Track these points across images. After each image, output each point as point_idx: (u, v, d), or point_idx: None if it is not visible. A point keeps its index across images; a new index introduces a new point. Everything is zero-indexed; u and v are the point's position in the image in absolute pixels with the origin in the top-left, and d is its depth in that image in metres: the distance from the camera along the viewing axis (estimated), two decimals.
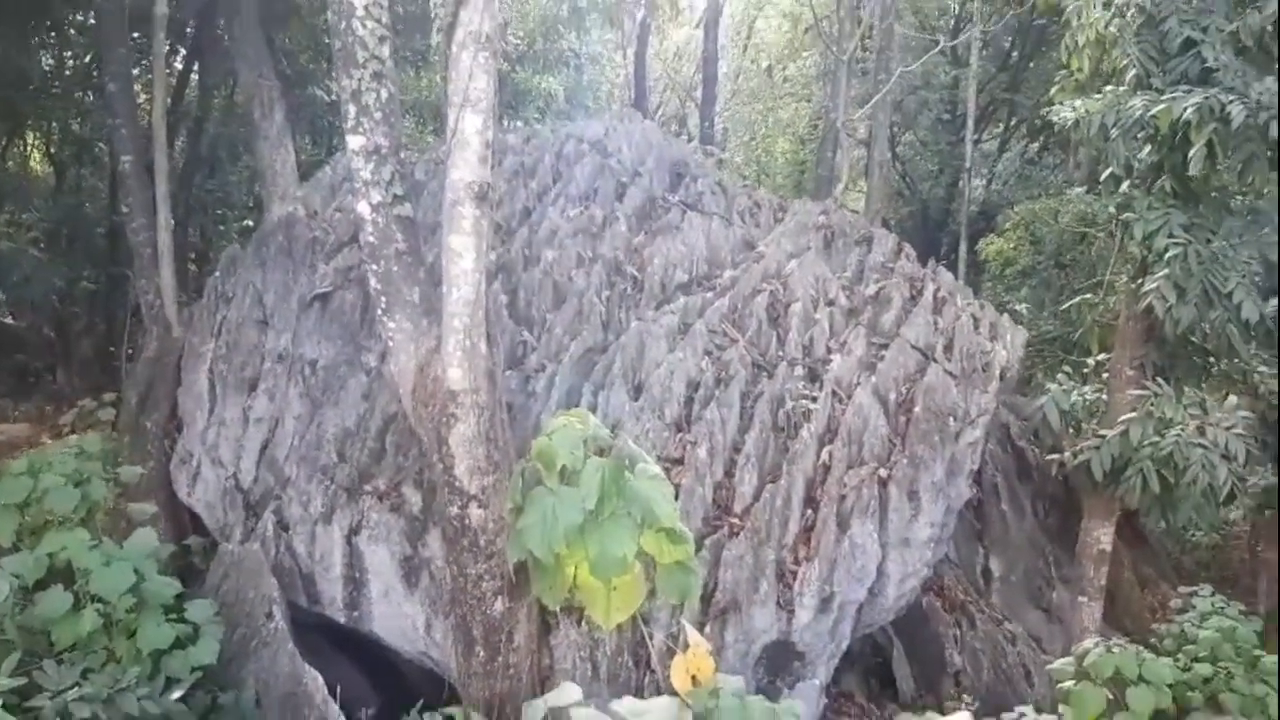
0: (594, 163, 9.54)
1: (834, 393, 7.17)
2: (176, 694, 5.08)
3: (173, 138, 14.30)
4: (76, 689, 4.75)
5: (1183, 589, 8.80)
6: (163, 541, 6.32)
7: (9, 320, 16.13)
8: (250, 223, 16.10)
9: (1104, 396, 8.17)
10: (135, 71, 12.57)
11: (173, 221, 9.68)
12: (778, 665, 6.12)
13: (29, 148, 17.79)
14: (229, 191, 16.71)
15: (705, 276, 8.48)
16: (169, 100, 12.82)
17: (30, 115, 14.99)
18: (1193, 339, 7.88)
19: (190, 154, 15.70)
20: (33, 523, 6.05)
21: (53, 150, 17.11)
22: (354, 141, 5.41)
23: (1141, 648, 6.40)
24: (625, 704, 4.00)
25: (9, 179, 16.00)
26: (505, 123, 13.31)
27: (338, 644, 6.68)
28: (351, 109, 5.30)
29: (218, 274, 8.79)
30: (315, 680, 5.55)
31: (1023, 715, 5.90)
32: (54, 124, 15.96)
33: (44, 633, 5.38)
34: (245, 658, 5.85)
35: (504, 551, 5.27)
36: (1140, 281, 7.64)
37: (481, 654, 5.40)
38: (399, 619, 6.29)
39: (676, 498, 5.68)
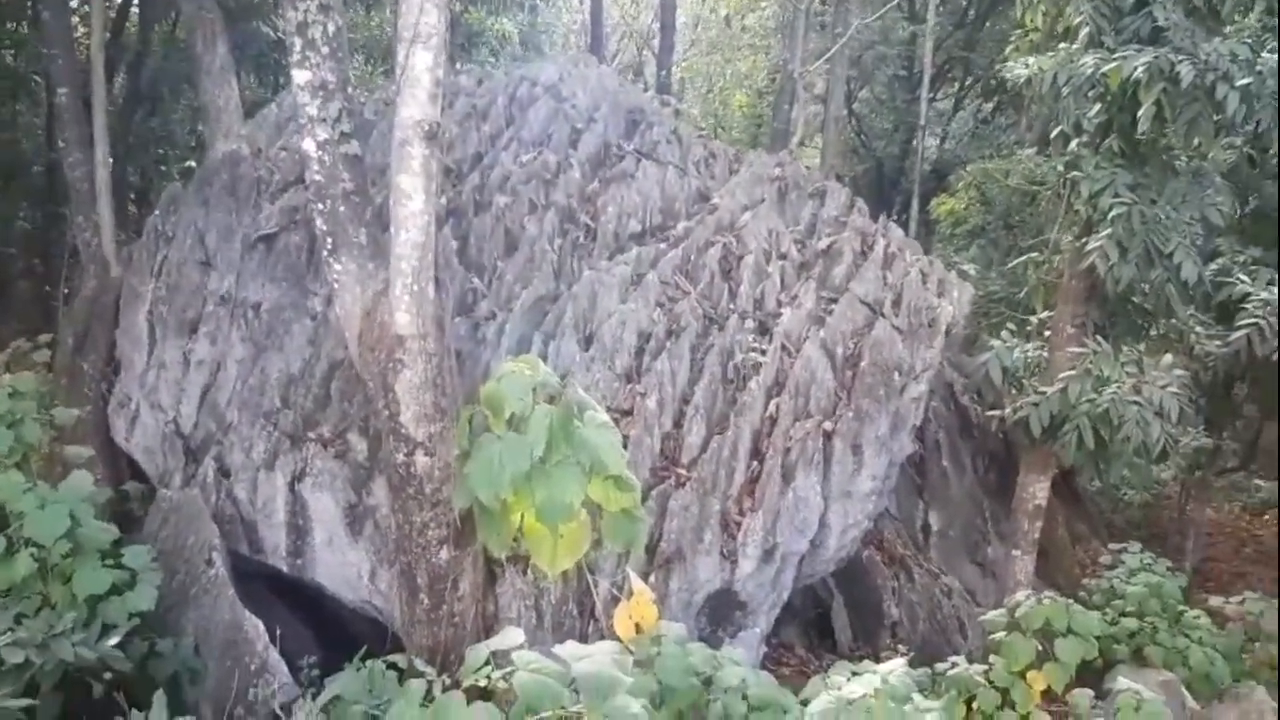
0: (548, 107, 9.37)
1: (783, 346, 7.22)
2: (113, 640, 5.01)
3: (112, 72, 13.74)
4: (9, 634, 4.67)
5: (1113, 546, 9.15)
6: (99, 486, 6.18)
7: None
8: (193, 162, 15.60)
9: (1045, 354, 8.34)
10: (73, 2, 12.05)
11: (111, 159, 9.36)
12: (720, 615, 6.22)
13: None
14: (171, 129, 16.16)
15: (659, 227, 8.44)
16: (108, 32, 12.32)
17: None
18: (1133, 298, 8.06)
19: (130, 89, 15.13)
20: None
21: None
22: (300, 76, 5.23)
23: (1071, 601, 6.62)
24: (567, 648, 4.03)
25: None
26: (458, 64, 12.97)
27: (279, 593, 6.64)
28: (297, 42, 5.11)
29: (158, 213, 8.51)
30: (256, 628, 5.51)
31: (955, 665, 6.08)
32: None
33: None
34: (184, 605, 5.79)
35: (450, 499, 5.25)
36: (1084, 240, 7.76)
37: (426, 602, 5.40)
38: (343, 567, 6.26)
39: (625, 448, 5.69)
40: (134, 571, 5.50)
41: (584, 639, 5.64)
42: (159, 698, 4.11)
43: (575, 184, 8.49)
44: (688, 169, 9.21)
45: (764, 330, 7.50)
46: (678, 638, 4.88)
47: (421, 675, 4.56)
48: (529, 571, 5.86)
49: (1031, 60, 7.98)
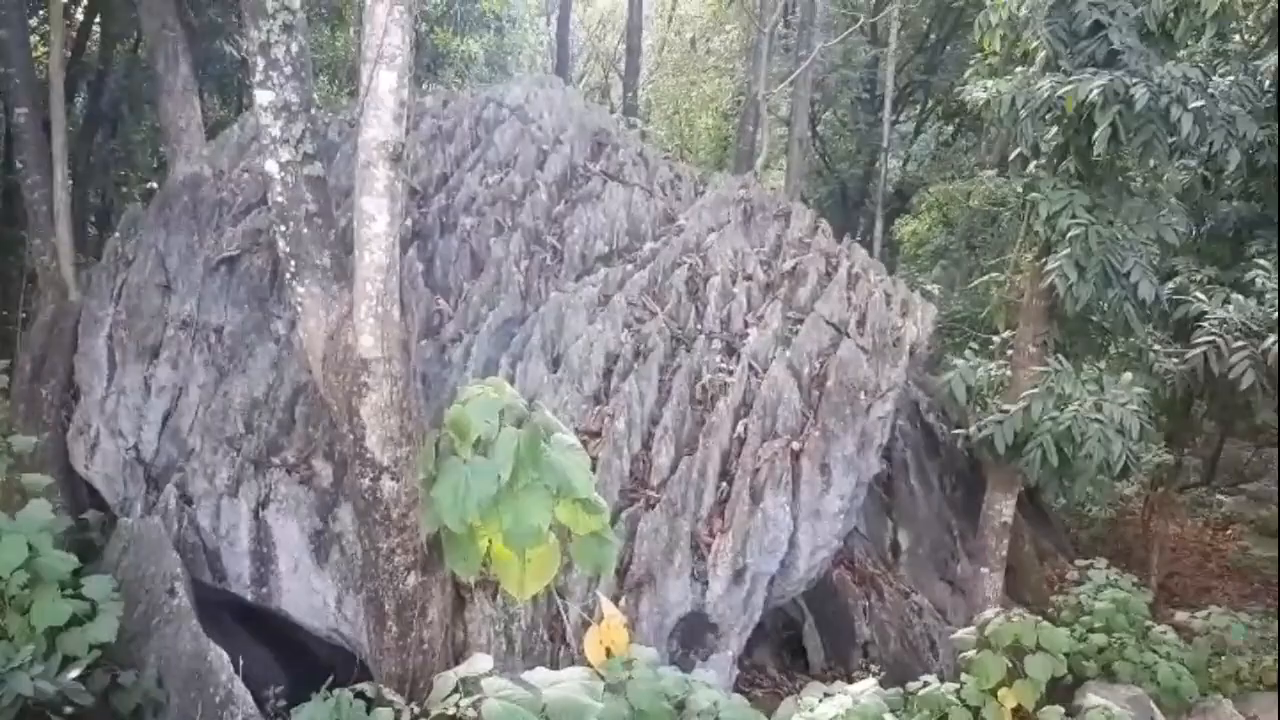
0: (514, 129, 9.39)
1: (750, 366, 7.25)
2: (74, 673, 4.89)
3: (72, 91, 13.57)
4: None
5: (1079, 562, 9.26)
6: (58, 515, 6.04)
7: None
8: (154, 184, 15.42)
9: (1008, 373, 8.45)
10: (32, 21, 11.87)
11: (71, 180, 9.20)
12: (691, 637, 6.19)
13: None
14: (132, 150, 15.97)
15: (626, 248, 8.46)
16: (68, 51, 12.16)
17: None
18: (1092, 317, 8.20)
19: (91, 109, 14.92)
20: None
21: None
22: (262, 96, 5.19)
23: (1040, 618, 6.68)
24: (537, 674, 4.00)
25: None
26: (423, 85, 12.98)
27: (244, 621, 6.52)
28: (260, 62, 5.08)
29: (118, 235, 8.40)
30: (220, 658, 5.40)
31: (926, 684, 6.10)
32: None
33: None
34: (146, 636, 5.65)
35: (417, 525, 5.19)
36: (1044, 260, 7.90)
37: (394, 629, 5.33)
38: (308, 595, 6.16)
39: (594, 470, 5.67)
40: (94, 602, 5.37)
41: (555, 664, 5.60)
42: None
43: (542, 205, 8.49)
44: (654, 190, 9.25)
45: (731, 351, 7.53)
46: (649, 661, 4.84)
47: (390, 704, 4.50)
48: (498, 597, 5.80)
49: (990, 83, 8.15)
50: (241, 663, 5.48)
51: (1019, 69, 8.09)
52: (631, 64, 20.19)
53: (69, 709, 4.88)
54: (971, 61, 9.84)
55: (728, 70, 22.00)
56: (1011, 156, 8.36)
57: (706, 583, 6.20)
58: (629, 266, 8.13)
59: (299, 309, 5.36)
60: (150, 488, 6.89)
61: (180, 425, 7.00)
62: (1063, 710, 6.02)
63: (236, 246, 7.77)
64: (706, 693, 4.78)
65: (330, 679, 4.92)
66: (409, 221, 7.93)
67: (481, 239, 7.99)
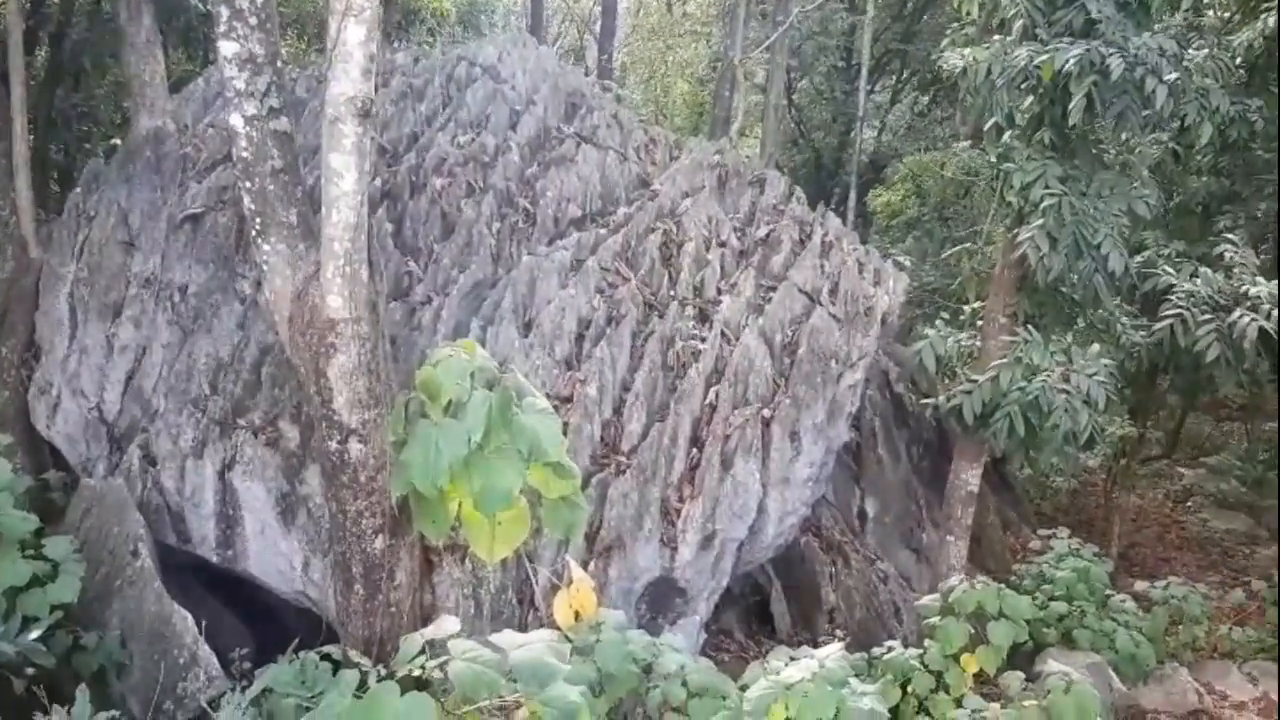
0: (486, 88, 9.23)
1: (723, 333, 7.24)
2: (34, 634, 4.82)
3: (33, 45, 13.15)
4: None
5: (1042, 532, 9.40)
6: (19, 475, 5.93)
7: None
8: (117, 140, 15.06)
9: (978, 343, 8.50)
10: None
11: (31, 135, 8.93)
12: (660, 602, 6.23)
13: None
14: (94, 105, 15.56)
15: (599, 212, 8.38)
16: (27, 2, 11.76)
17: None
18: (1062, 288, 8.24)
19: (52, 64, 14.49)
20: None
21: None
22: (227, 48, 5.04)
23: (1003, 586, 6.79)
24: (504, 636, 3.99)
25: None
26: (394, 43, 12.71)
27: (210, 584, 6.46)
28: (224, 11, 4.93)
29: (79, 191, 8.19)
30: (184, 620, 5.35)
31: (891, 649, 6.18)
32: None
33: None
34: (109, 597, 5.59)
35: (385, 488, 5.15)
36: (1016, 231, 7.92)
37: (361, 592, 5.30)
38: (275, 557, 6.11)
39: (565, 435, 5.65)
40: (56, 563, 5.30)
41: (523, 628, 5.61)
42: (82, 692, 3.96)
43: (514, 167, 8.38)
44: (628, 154, 9.16)
45: (704, 318, 7.51)
46: (617, 625, 4.87)
47: (356, 666, 4.47)
48: (467, 560, 5.79)
49: (967, 52, 8.10)
50: (205, 625, 5.43)
51: (995, 38, 8.06)
52: (607, 26, 19.96)
53: (30, 670, 4.83)
54: (949, 31, 9.80)
55: (704, 35, 21.79)
56: (986, 127, 8.34)
57: (675, 548, 6.23)
58: (602, 231, 8.06)
59: (265, 268, 5.25)
60: (113, 448, 6.78)
61: (144, 385, 6.88)
62: (1023, 676, 6.14)
63: (201, 204, 7.60)
64: (674, 656, 4.82)
65: (296, 641, 4.90)
66: (378, 181, 7.79)
67: (452, 200, 7.88)
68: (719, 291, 7.75)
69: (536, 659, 3.77)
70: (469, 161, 8.26)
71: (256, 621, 6.49)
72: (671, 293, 7.63)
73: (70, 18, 14.28)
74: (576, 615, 4.77)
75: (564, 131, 9.08)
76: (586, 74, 16.02)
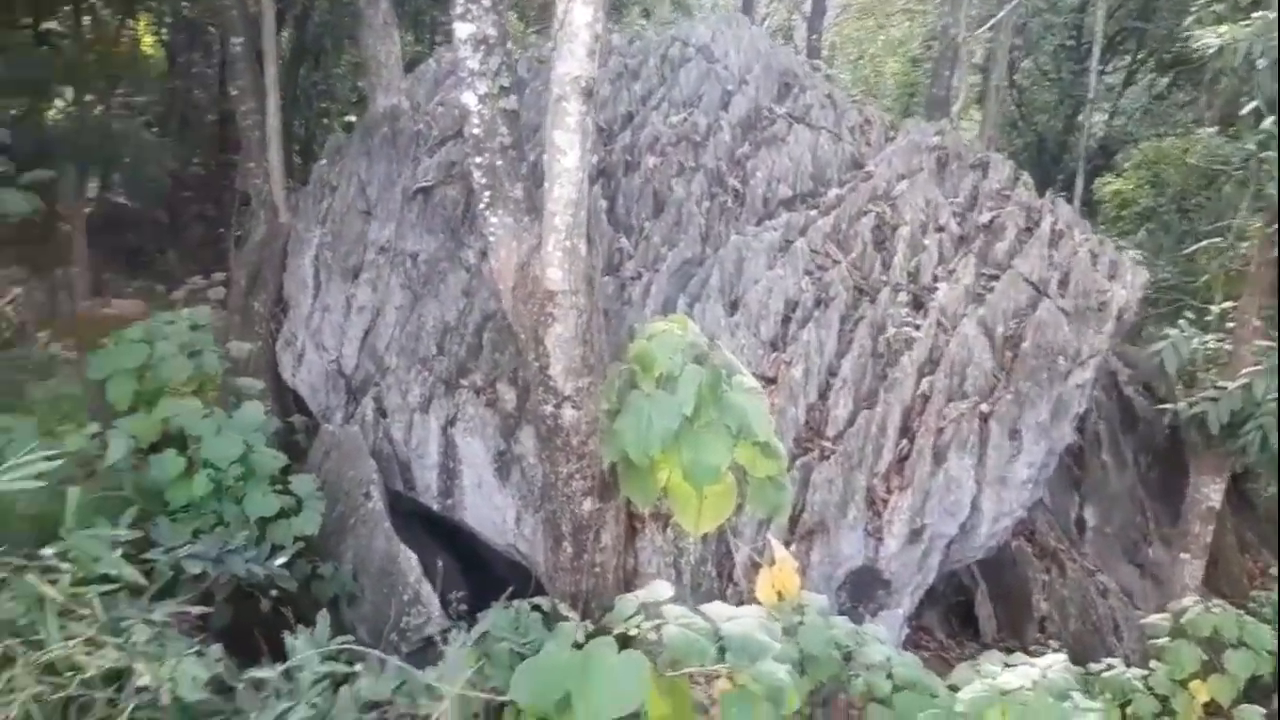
0: (699, 68, 9.25)
1: (939, 322, 6.95)
2: (280, 560, 5.30)
3: (279, 27, 14.35)
4: (188, 546, 4.99)
5: None
6: (270, 417, 6.52)
7: (123, 201, 16.65)
8: (353, 116, 16.20)
9: (1226, 347, 7.76)
10: None
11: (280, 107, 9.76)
12: (861, 591, 6.09)
13: (140, 30, 18.03)
14: (333, 84, 16.82)
15: (810, 193, 8.24)
16: None
17: None
18: None
19: (296, 44, 15.79)
20: (147, 389, 6.27)
21: (163, 34, 17.38)
22: (462, 30, 5.28)
23: (1242, 611, 6.18)
24: (714, 608, 4.01)
25: (122, 61, 16.30)
26: (610, 25, 12.97)
27: (429, 529, 6.87)
28: None
29: (324, 162, 8.88)
30: (410, 560, 5.72)
31: (1111, 667, 5.77)
32: (164, 6, 16.17)
33: (158, 493, 5.65)
34: (343, 534, 6.06)
35: (595, 453, 5.29)
36: (1276, 227, 7.17)
37: (569, 550, 5.48)
38: (490, 510, 6.43)
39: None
40: (299, 498, 5.79)
41: (722, 601, 5.63)
42: (323, 616, 4.32)
43: (725, 146, 8.36)
44: (841, 135, 8.94)
45: (918, 305, 7.23)
46: (820, 609, 4.79)
47: (565, 619, 4.64)
48: (669, 529, 5.87)
49: (1223, 30, 7.37)
50: (426, 567, 5.78)
51: (1255, 14, 7.28)
52: (817, 6, 19.50)
53: (274, 592, 5.31)
54: (1193, 7, 8.93)
55: (918, 12, 20.93)
56: (1243, 111, 7.57)
57: (881, 539, 6.06)
58: (812, 212, 7.92)
59: (490, 239, 5.48)
60: (349, 399, 7.33)
61: (378, 343, 7.39)
62: (1263, 712, 5.58)
63: (432, 177, 8.05)
64: (879, 647, 4.69)
65: (509, 591, 5.12)
66: (594, 159, 7.99)
67: (664, 179, 7.96)
68: (935, 278, 7.45)
69: (748, 634, 3.78)
70: (681, 141, 8.32)
71: (470, 569, 6.86)
72: (884, 278, 7.39)
73: (313, 2, 15.47)
74: (779, 595, 4.74)
75: (776, 111, 8.97)
76: (796, 53, 15.77)
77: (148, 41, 18.34)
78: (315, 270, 8.17)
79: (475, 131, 5.36)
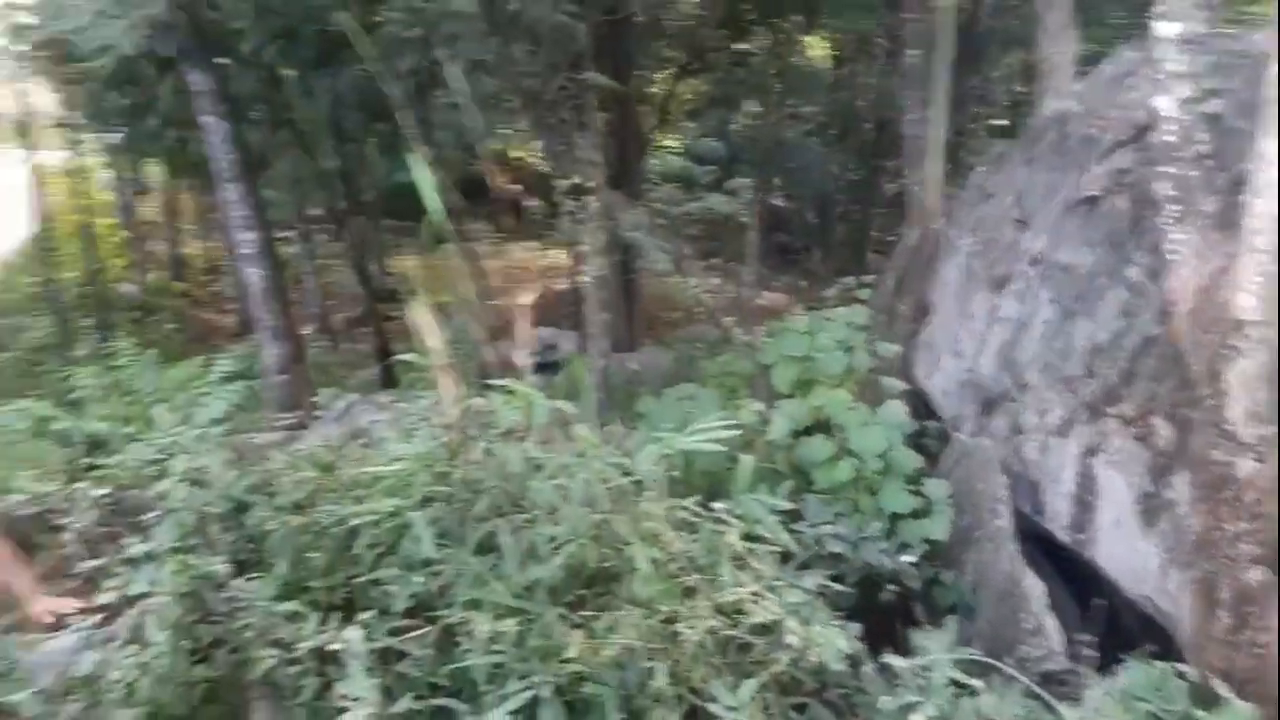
0: None
1: None
2: (908, 557, 5.57)
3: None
4: (828, 526, 5.50)
5: None
6: (908, 418, 6.85)
7: (777, 203, 18.77)
8: (1004, 121, 15.97)
9: None
10: None
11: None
12: None
13: (812, 44, 19.86)
14: (987, 89, 16.75)
15: None
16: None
17: (822, 11, 16.62)
18: None
19: (960, 50, 15.99)
20: (802, 377, 7.04)
21: (832, 48, 18.98)
22: (1165, 29, 4.93)
23: None
24: None
25: (797, 75, 18.18)
26: None
27: (1051, 559, 6.57)
28: None
29: (983, 170, 8.92)
30: (1035, 587, 5.57)
31: None
32: (842, 21, 17.58)
33: (804, 473, 6.33)
34: (966, 546, 6.12)
35: (1273, 515, 4.57)
36: None
37: (1225, 620, 4.83)
38: (1129, 555, 5.90)
39: None
40: (931, 501, 6.00)
41: None
42: (952, 621, 4.44)
43: None
44: None
45: None
46: None
47: (1218, 698, 4.11)
48: None
49: None
50: (1052, 600, 5.56)
51: None
52: None
53: (895, 587, 5.59)
54: None
55: None
56: None
57: None
58: None
59: (1170, 257, 5.07)
60: (981, 409, 7.32)
61: (1019, 357, 7.24)
62: None
63: (1099, 186, 7.56)
64: None
65: (1145, 648, 4.69)
66: None
67: None
68: None
69: None
70: None
71: (1084, 607, 6.41)
72: None
73: (980, 6, 15.48)
74: None
75: None
76: None
77: (819, 55, 20.19)
78: (961, 277, 8.28)
79: (1168, 138, 5.00)
